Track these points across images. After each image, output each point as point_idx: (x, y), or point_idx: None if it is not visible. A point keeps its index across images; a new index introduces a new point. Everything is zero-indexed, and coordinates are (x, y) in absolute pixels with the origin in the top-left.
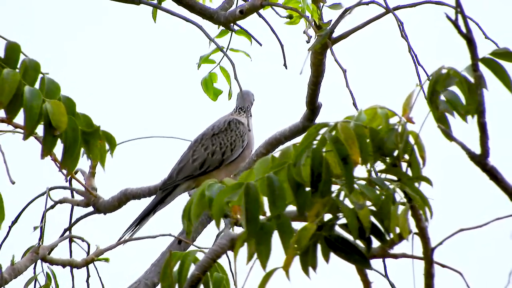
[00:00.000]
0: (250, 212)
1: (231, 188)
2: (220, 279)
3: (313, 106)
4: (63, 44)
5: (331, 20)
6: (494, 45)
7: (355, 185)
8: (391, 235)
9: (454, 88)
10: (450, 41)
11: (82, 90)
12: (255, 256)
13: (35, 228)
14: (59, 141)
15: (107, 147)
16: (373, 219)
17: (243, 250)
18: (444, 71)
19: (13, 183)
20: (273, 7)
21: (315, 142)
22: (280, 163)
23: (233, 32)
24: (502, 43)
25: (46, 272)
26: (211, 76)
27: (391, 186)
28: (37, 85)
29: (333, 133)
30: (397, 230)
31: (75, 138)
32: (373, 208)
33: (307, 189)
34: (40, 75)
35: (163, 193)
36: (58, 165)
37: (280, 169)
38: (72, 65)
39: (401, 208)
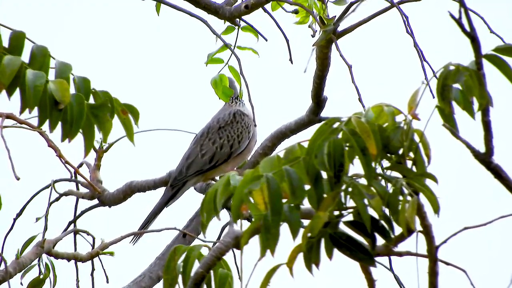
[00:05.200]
0: (274, 203)
1: (250, 180)
2: (225, 276)
3: (318, 100)
4: (66, 39)
5: (335, 16)
6: (500, 39)
7: (361, 180)
8: (396, 233)
9: (457, 86)
10: (455, 35)
11: None
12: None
13: (37, 219)
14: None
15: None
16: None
17: (247, 247)
18: (452, 67)
19: (18, 179)
20: (279, 2)
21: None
22: (291, 159)
23: (240, 28)
24: (508, 37)
25: (45, 263)
26: (221, 78)
27: (398, 181)
28: (52, 71)
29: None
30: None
31: (81, 111)
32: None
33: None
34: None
35: (173, 190)
36: (63, 160)
37: (293, 163)
38: (75, 61)
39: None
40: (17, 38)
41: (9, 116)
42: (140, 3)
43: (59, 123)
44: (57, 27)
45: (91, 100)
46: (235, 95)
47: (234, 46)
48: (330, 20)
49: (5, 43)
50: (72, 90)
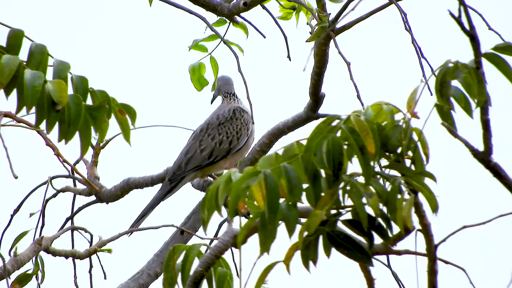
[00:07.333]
0: (271, 199)
1: (248, 176)
2: (224, 274)
3: (316, 97)
4: (65, 34)
5: (330, 13)
6: (498, 36)
7: (359, 178)
8: (394, 232)
9: (456, 83)
10: (454, 32)
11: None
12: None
13: (31, 214)
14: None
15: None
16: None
17: (247, 245)
18: (450, 64)
19: (16, 177)
20: None
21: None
22: (290, 156)
23: (232, 23)
24: (506, 33)
25: (35, 260)
26: (200, 66)
27: (396, 180)
28: (50, 69)
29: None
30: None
31: (79, 112)
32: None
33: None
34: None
35: (171, 184)
36: (61, 159)
37: (292, 161)
38: (74, 55)
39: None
40: (15, 37)
41: (7, 115)
42: (137, 1)
43: (57, 124)
44: (56, 24)
45: (89, 99)
46: (231, 91)
47: (223, 37)
48: (325, 16)
49: (3, 42)
50: (70, 89)
